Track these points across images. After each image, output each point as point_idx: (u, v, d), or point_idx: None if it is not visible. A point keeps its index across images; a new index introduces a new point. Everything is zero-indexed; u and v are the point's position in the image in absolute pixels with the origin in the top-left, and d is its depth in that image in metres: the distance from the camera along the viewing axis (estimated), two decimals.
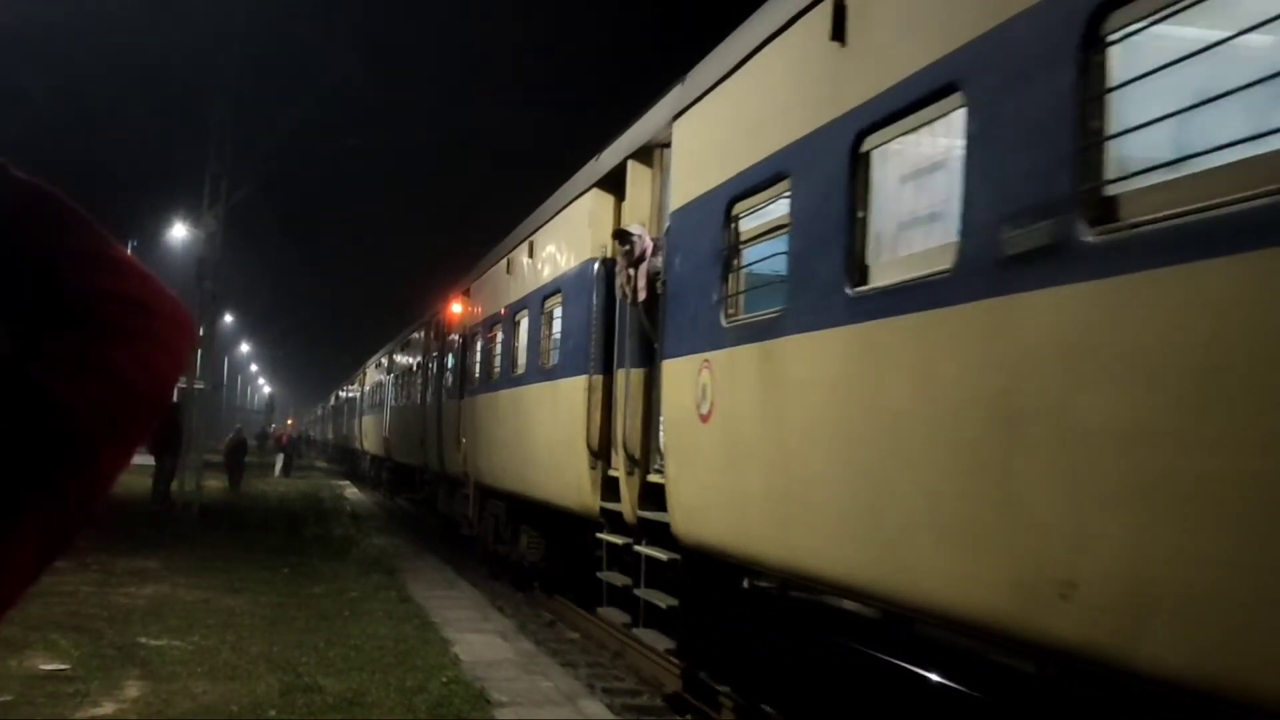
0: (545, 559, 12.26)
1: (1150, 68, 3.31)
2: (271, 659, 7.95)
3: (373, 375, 35.41)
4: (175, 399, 21.81)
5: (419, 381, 22.43)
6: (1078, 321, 3.47)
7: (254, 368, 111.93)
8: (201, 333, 21.44)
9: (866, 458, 4.79)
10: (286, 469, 37.24)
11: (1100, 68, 3.48)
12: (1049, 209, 3.60)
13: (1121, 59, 3.45)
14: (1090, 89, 3.49)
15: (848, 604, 6.46)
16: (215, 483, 25.06)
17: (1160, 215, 3.19)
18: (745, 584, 6.90)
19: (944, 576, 4.18)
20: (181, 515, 18.56)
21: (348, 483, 36.64)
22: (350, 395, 46.34)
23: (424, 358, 21.86)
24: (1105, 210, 3.44)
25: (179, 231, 32.99)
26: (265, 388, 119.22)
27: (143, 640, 8.44)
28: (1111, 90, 3.46)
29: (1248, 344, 2.89)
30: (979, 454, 3.95)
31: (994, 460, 3.86)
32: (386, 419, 29.19)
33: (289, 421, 64.72)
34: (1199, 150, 3.21)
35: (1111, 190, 3.47)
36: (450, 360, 17.85)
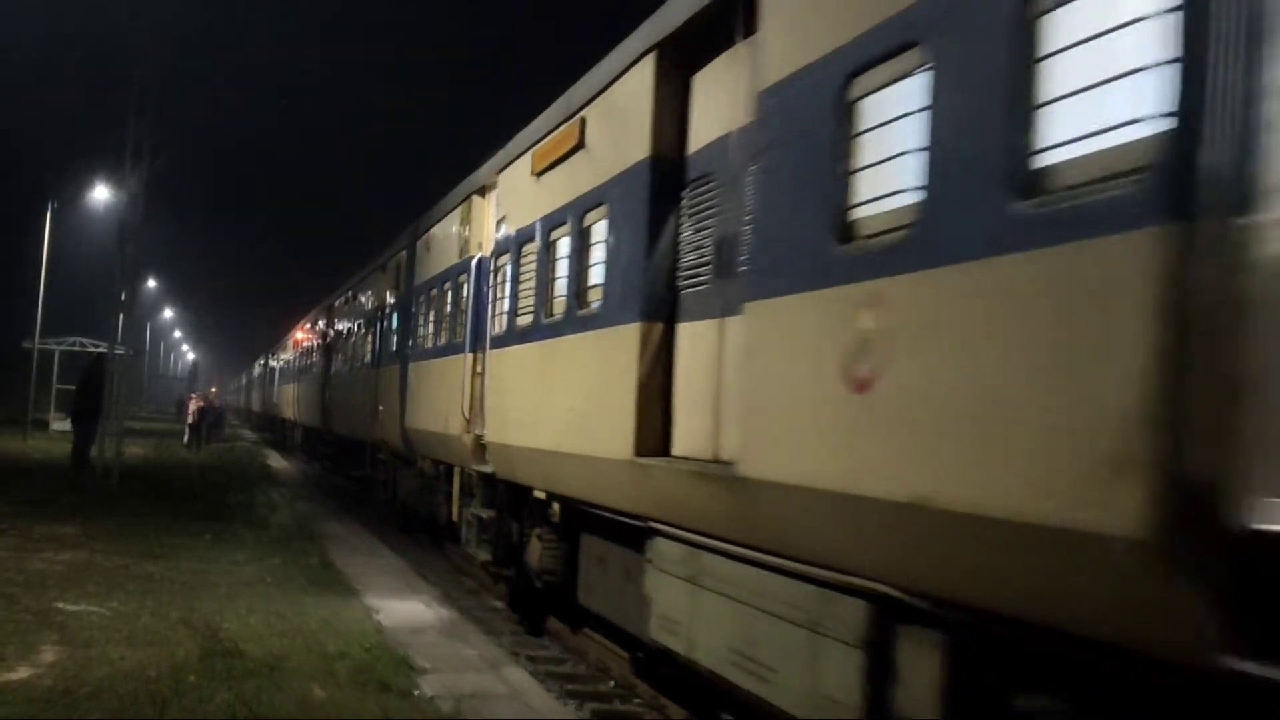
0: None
1: None
2: (192, 624, 7.89)
3: (283, 352, 39.92)
4: (96, 365, 21.88)
5: (307, 361, 30.28)
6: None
7: (177, 334, 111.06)
8: (123, 296, 21.41)
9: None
10: (205, 437, 34.00)
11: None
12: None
13: None
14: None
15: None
16: (137, 449, 24.89)
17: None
18: None
19: None
20: (101, 482, 18.39)
21: (273, 450, 35.51)
22: (271, 365, 47.93)
23: (302, 346, 30.08)
24: None
25: (101, 194, 32.58)
26: (189, 354, 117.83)
27: (60, 605, 8.36)
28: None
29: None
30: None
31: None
32: (290, 388, 35.32)
33: (213, 389, 60.38)
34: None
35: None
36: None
